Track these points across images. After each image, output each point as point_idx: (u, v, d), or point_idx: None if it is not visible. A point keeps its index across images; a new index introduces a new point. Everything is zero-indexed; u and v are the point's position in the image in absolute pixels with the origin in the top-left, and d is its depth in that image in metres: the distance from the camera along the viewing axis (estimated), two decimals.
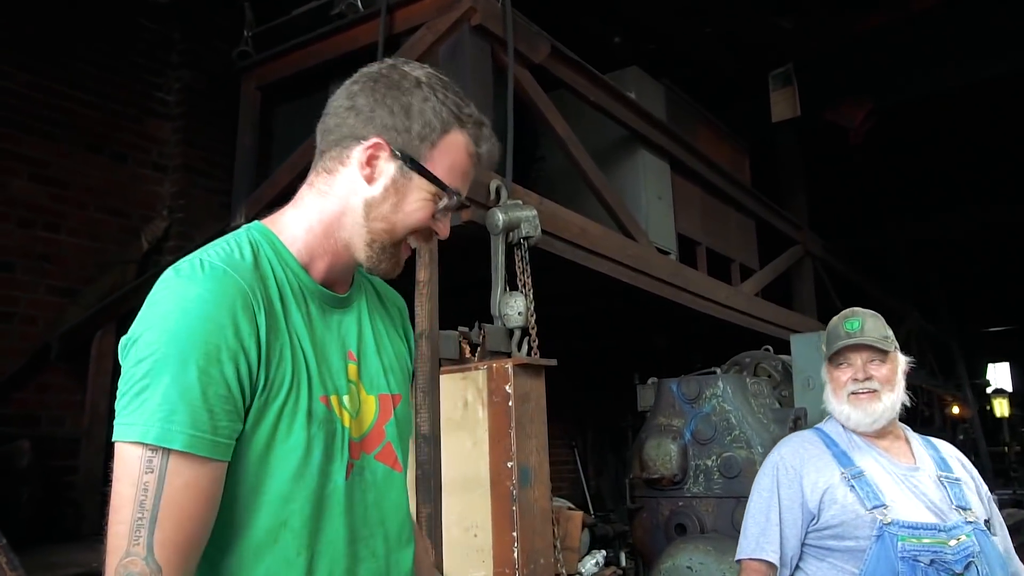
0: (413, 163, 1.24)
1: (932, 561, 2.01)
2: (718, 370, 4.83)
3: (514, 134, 4.63)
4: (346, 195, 1.26)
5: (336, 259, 1.28)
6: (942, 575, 2.00)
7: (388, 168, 1.25)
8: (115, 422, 1.10)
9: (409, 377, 1.44)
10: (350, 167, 1.26)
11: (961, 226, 12.04)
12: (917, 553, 2.01)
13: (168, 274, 1.14)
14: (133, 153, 4.90)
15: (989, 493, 2.28)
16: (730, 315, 6.11)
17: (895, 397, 2.22)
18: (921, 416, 12.60)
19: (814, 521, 2.11)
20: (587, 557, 3.78)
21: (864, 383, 2.20)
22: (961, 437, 13.03)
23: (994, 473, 13.62)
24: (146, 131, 4.99)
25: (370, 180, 1.25)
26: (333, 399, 1.22)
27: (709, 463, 4.43)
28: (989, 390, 16.67)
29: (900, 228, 11.75)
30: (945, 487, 2.16)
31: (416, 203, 1.26)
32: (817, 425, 2.34)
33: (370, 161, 1.25)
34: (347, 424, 1.23)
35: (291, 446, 1.15)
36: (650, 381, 4.86)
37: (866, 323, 2.25)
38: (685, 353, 6.90)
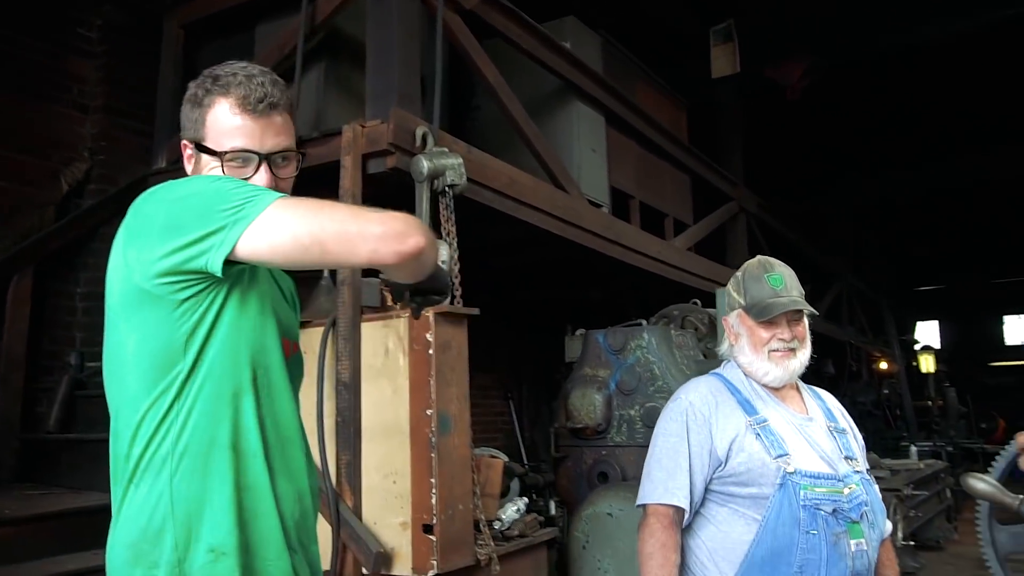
0: (197, 146, 1.52)
1: (834, 510, 2.07)
2: (644, 322, 4.89)
3: (448, 82, 4.58)
4: None
5: None
6: (840, 522, 2.07)
7: (195, 157, 1.55)
8: None
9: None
10: (186, 165, 1.58)
11: (894, 188, 12.28)
12: (818, 502, 2.06)
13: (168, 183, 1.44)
14: (53, 92, 4.72)
15: (864, 444, 2.34)
16: (663, 269, 6.18)
17: (807, 353, 2.25)
18: (849, 371, 13.00)
19: (720, 468, 2.11)
20: (508, 504, 3.84)
21: (787, 342, 2.22)
22: (887, 392, 13.48)
23: (918, 426, 14.14)
24: (67, 69, 4.80)
25: (192, 172, 1.55)
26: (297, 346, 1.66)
27: (632, 413, 4.51)
28: (917, 347, 17.19)
29: (835, 188, 11.95)
30: (835, 437, 2.21)
31: (217, 172, 1.50)
32: (717, 371, 2.33)
33: (187, 158, 1.57)
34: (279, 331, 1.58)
35: (256, 296, 1.49)
36: (577, 332, 4.91)
37: (787, 279, 2.26)
38: (621, 306, 6.97)
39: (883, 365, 14.01)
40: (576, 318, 5.72)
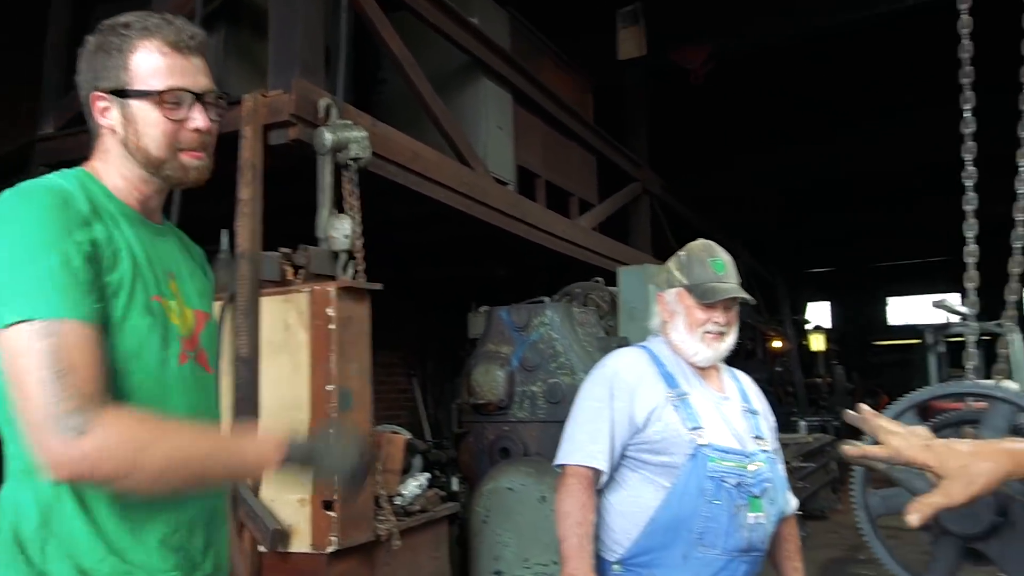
0: (122, 92, 1.41)
1: (738, 484, 2.16)
2: (547, 299, 4.94)
3: (354, 54, 4.50)
4: (113, 143, 1.44)
5: (141, 193, 1.45)
6: (743, 495, 2.16)
7: (112, 108, 1.42)
8: None
9: (212, 306, 1.64)
10: (100, 121, 1.44)
11: (788, 172, 12.70)
12: (724, 475, 2.15)
13: (6, 194, 1.30)
14: None
15: (775, 424, 2.45)
16: (567, 248, 6.25)
17: (734, 337, 2.33)
18: (745, 350, 13.46)
19: (637, 434, 2.18)
20: (409, 480, 3.84)
21: (721, 326, 2.29)
22: (779, 369, 14.02)
23: (808, 402, 14.77)
24: None
25: (111, 125, 1.43)
26: (163, 301, 1.42)
27: (535, 389, 4.57)
28: (808, 327, 17.92)
29: (733, 171, 12.29)
30: (747, 417, 2.32)
31: (147, 119, 1.41)
32: (643, 344, 2.39)
33: (102, 112, 1.43)
34: (176, 322, 1.44)
35: (132, 328, 1.34)
36: (481, 309, 4.93)
37: (728, 265, 2.34)
38: (527, 284, 7.02)
39: (777, 344, 14.55)
40: (482, 295, 5.74)
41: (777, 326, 14.89)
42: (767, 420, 2.39)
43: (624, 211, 8.05)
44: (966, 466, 1.20)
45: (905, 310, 23.51)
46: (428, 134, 4.66)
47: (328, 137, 3.50)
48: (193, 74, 1.44)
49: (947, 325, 8.32)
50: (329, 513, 3.18)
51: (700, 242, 2.40)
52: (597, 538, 2.20)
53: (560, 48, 6.87)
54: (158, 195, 1.50)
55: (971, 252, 2.12)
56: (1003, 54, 2.93)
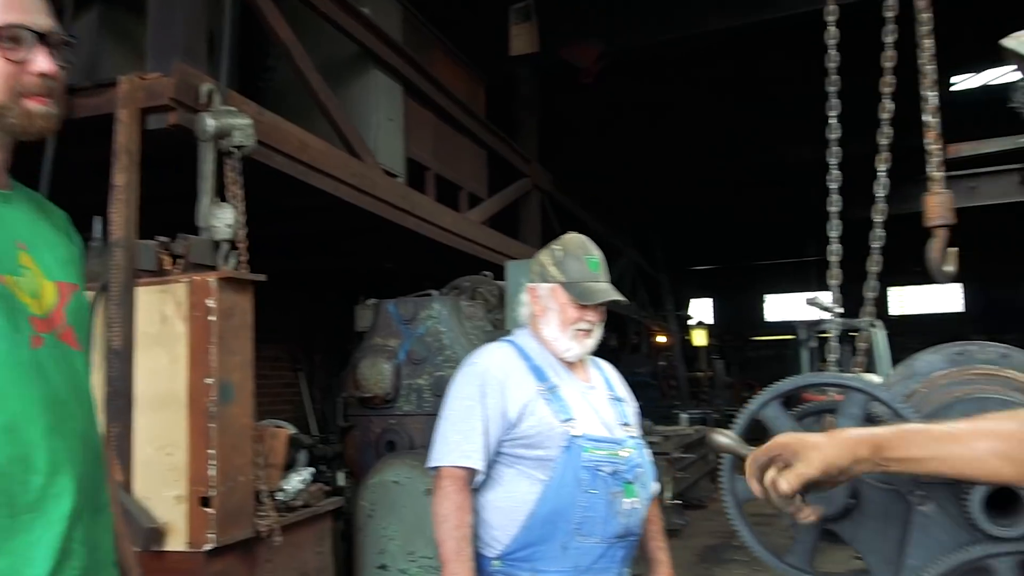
0: None
1: (613, 472, 2.21)
2: (435, 293, 4.95)
3: (240, 40, 4.37)
4: None
5: None
6: (617, 482, 2.22)
7: None
8: None
9: (83, 275, 1.49)
10: None
11: (677, 174, 13.05)
12: (599, 463, 2.20)
13: None
14: None
15: (638, 409, 2.51)
16: (456, 241, 6.26)
17: (601, 332, 2.38)
18: (630, 344, 13.82)
19: (511, 430, 2.19)
20: (292, 475, 3.77)
21: (592, 324, 2.32)
22: (663, 363, 14.46)
23: (690, 395, 15.29)
24: None
25: None
26: (8, 278, 1.26)
27: (421, 382, 4.56)
28: (691, 322, 18.54)
29: (626, 171, 12.56)
30: (613, 405, 2.37)
31: None
32: (509, 338, 2.39)
33: None
34: (26, 301, 1.29)
35: None
36: (369, 302, 4.89)
37: (601, 263, 2.37)
38: (416, 276, 6.99)
39: (661, 339, 14.99)
40: (371, 288, 5.68)
41: (662, 321, 15.33)
42: (631, 406, 2.44)
43: (514, 206, 8.12)
44: (816, 440, 1.28)
45: (781, 307, 24.56)
46: (317, 124, 4.59)
47: (210, 123, 3.40)
48: (34, 11, 1.29)
49: (818, 321, 8.78)
50: (206, 510, 3.10)
51: (575, 237, 2.40)
52: (476, 536, 2.19)
53: (453, 42, 6.87)
54: (1, 151, 1.34)
55: (834, 251, 2.24)
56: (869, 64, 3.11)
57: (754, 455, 1.33)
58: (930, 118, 2.15)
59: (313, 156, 4.28)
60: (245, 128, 3.50)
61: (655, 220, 15.37)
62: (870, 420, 1.65)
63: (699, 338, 17.38)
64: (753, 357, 23.32)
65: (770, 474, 1.31)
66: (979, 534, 1.33)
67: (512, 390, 2.20)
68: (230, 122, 3.46)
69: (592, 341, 2.32)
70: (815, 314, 8.13)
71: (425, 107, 6.10)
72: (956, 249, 2.20)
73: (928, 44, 2.18)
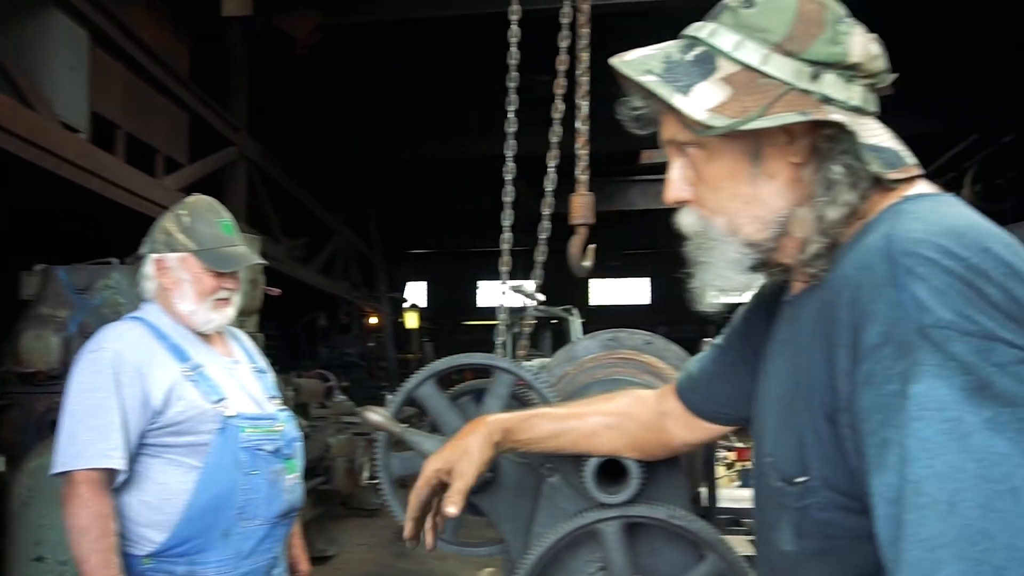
0: None
1: (275, 449, 2.15)
2: (116, 261, 4.56)
3: None
4: None
5: None
6: (278, 459, 2.16)
7: None
8: None
9: None
10: None
11: (390, 155, 13.08)
12: (259, 442, 2.12)
13: None
14: None
15: (276, 379, 2.42)
16: (149, 208, 5.82)
17: (239, 299, 2.25)
18: (341, 324, 13.72)
19: (156, 419, 2.01)
20: None
21: (231, 291, 2.19)
22: (373, 344, 14.51)
23: (399, 377, 15.46)
24: None
25: None
26: None
27: None
28: (405, 304, 18.77)
29: (340, 147, 12.38)
30: (259, 378, 2.30)
31: None
32: (135, 315, 2.19)
33: None
34: None
35: None
36: (37, 268, 4.42)
37: (234, 227, 2.23)
38: (104, 243, 6.41)
39: (372, 320, 15.03)
40: (46, 253, 5.12)
41: (375, 303, 15.37)
42: (272, 376, 2.36)
43: (219, 175, 7.72)
44: (459, 446, 1.35)
45: (493, 293, 25.65)
46: None
47: None
48: None
49: (521, 308, 9.26)
50: None
51: (202, 199, 2.26)
52: (122, 537, 1.98)
53: None
54: None
55: (506, 240, 2.36)
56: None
57: (416, 495, 1.37)
58: (580, 125, 2.34)
59: None
60: None
61: (373, 202, 15.35)
62: (516, 399, 1.75)
63: (412, 321, 17.65)
64: (464, 340, 24.06)
65: (430, 517, 1.39)
66: (593, 502, 1.47)
67: (152, 374, 2.02)
68: None
69: (232, 310, 2.20)
70: (520, 301, 8.57)
71: (117, 60, 5.60)
72: (594, 246, 2.42)
73: (585, 57, 2.37)
